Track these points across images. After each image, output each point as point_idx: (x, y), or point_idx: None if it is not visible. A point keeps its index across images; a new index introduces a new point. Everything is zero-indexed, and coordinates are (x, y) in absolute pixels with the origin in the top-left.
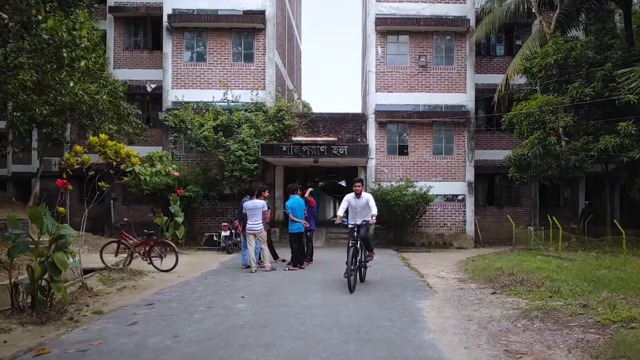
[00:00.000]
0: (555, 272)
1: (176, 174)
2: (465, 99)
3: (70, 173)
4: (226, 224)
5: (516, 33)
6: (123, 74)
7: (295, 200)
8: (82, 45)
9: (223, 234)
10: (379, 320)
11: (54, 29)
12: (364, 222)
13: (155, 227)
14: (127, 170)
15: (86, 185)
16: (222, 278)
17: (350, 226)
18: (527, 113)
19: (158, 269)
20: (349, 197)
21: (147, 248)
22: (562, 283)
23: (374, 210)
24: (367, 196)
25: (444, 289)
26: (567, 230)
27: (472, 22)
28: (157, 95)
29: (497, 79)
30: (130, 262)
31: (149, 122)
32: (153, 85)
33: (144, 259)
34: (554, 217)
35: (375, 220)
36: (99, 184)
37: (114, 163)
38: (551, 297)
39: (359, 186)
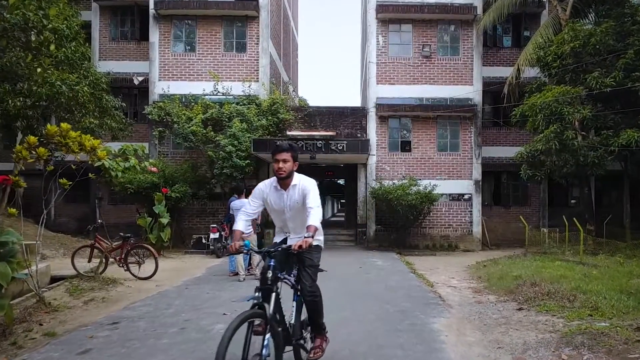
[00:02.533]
0: (583, 281)
1: (154, 169)
2: (472, 91)
3: (22, 169)
4: (215, 225)
5: (525, 16)
6: (109, 66)
7: None
8: (51, 26)
9: (212, 236)
10: (388, 347)
11: (18, 8)
12: (292, 248)
13: (138, 228)
14: (96, 165)
15: (44, 182)
16: (205, 288)
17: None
18: (542, 105)
19: (135, 276)
20: (264, 187)
21: (124, 253)
22: (597, 296)
23: (314, 219)
24: (303, 185)
25: (459, 302)
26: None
27: (479, 10)
28: (144, 89)
29: (504, 71)
30: (104, 269)
31: (136, 117)
32: (140, 78)
33: (120, 265)
34: (574, 219)
35: (311, 241)
36: (60, 181)
37: (78, 157)
38: (591, 315)
39: (285, 160)
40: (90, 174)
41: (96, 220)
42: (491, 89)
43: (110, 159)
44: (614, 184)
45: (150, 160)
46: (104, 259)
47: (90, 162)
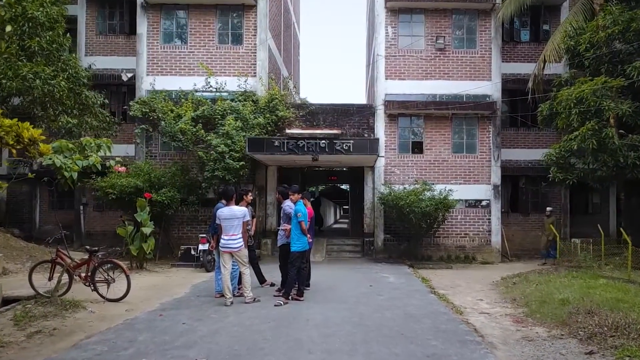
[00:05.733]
0: None
1: (121, 169)
2: (490, 87)
3: None
4: (204, 235)
5: (545, 8)
6: (96, 62)
7: (303, 206)
8: (4, 2)
9: (201, 247)
10: None
11: None
12: None
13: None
14: (45, 163)
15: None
16: (183, 315)
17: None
18: (578, 99)
19: (104, 297)
20: None
21: (90, 270)
22: None
23: None
24: None
25: (502, 339)
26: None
27: None
28: (134, 86)
29: (522, 68)
30: (68, 289)
31: (125, 117)
32: (129, 75)
33: (87, 284)
34: (621, 229)
35: None
36: None
37: (14, 150)
38: None
39: None
40: (29, 174)
41: (60, 232)
42: (509, 86)
43: (66, 157)
44: (636, 189)
45: (117, 158)
46: (67, 278)
47: (32, 158)
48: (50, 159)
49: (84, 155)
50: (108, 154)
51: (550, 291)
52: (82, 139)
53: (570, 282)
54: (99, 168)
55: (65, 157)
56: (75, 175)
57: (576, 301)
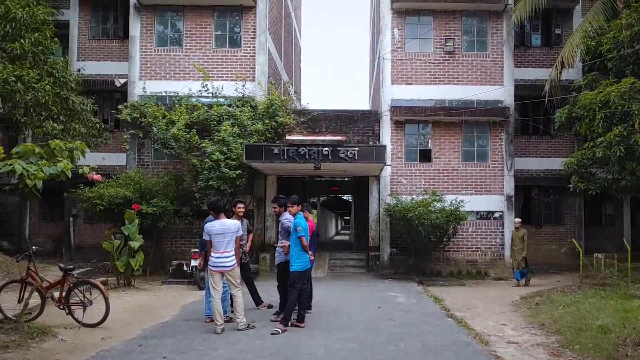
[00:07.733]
0: None
1: (96, 177)
2: (502, 92)
3: None
4: (197, 250)
5: (557, 12)
6: (90, 67)
7: (303, 220)
8: None
9: (193, 263)
10: None
11: None
12: None
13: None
14: (2, 169)
15: None
16: (165, 346)
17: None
18: (603, 102)
19: (80, 322)
20: None
21: (64, 291)
22: None
23: None
24: None
25: None
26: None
27: None
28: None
29: (533, 73)
30: (40, 312)
31: (118, 125)
32: (122, 80)
33: (61, 307)
34: None
35: None
36: None
37: None
38: None
39: None
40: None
41: (30, 248)
42: (519, 93)
43: (30, 162)
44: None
45: (92, 165)
46: (27, 300)
47: None
48: (10, 165)
49: (53, 161)
50: (82, 159)
51: (583, 315)
52: (50, 142)
53: (602, 304)
54: (69, 176)
55: (30, 162)
56: (40, 183)
57: (617, 328)
